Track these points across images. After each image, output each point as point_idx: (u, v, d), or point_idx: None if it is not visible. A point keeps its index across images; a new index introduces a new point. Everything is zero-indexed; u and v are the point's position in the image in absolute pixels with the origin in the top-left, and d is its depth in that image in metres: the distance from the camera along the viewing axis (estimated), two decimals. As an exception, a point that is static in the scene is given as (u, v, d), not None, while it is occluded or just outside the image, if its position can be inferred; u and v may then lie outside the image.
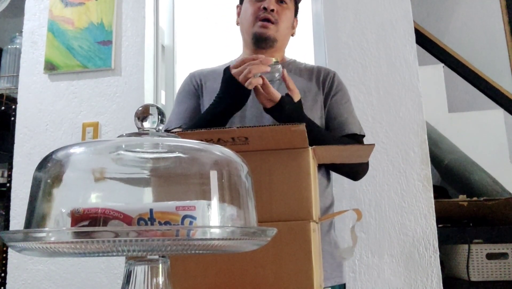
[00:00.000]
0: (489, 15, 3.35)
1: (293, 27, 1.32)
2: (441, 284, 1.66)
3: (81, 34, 2.07)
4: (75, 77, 2.07)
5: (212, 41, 3.11)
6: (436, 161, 2.58)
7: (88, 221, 0.45)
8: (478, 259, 1.75)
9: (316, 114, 1.20)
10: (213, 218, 0.49)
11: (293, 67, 1.29)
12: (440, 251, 1.69)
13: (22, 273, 1.92)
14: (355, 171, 1.23)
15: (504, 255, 1.76)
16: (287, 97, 1.05)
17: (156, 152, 0.53)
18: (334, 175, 1.32)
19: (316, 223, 0.79)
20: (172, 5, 2.39)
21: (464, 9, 3.45)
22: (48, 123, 2.04)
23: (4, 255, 2.01)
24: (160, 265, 0.50)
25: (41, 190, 0.49)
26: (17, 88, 2.14)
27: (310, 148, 0.76)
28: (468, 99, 3.12)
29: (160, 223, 0.45)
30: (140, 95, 2.00)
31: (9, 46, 2.46)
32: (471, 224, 1.96)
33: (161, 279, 0.49)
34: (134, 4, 2.09)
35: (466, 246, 1.77)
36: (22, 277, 1.92)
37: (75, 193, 0.50)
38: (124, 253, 0.44)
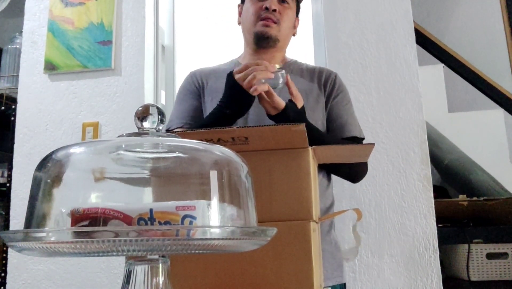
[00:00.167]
0: (489, 15, 3.35)
1: (295, 27, 1.31)
2: (441, 284, 1.66)
3: (81, 34, 2.07)
4: (75, 77, 2.07)
5: (212, 41, 3.11)
6: (436, 161, 2.59)
7: (88, 221, 0.45)
8: (478, 259, 1.75)
9: (318, 116, 1.21)
10: (213, 218, 0.49)
11: (294, 67, 1.29)
12: (440, 251, 1.69)
13: (22, 273, 1.92)
14: (354, 173, 1.23)
15: (504, 255, 1.76)
16: (291, 104, 1.04)
17: (156, 152, 0.53)
18: (334, 176, 1.32)
19: (316, 223, 0.79)
20: (172, 5, 2.39)
21: (464, 9, 3.45)
22: (48, 123, 2.04)
23: (4, 255, 2.01)
24: (160, 265, 0.50)
25: (41, 190, 0.49)
26: (17, 88, 2.14)
27: (310, 147, 0.76)
28: (468, 99, 3.12)
29: (160, 223, 0.45)
30: (140, 95, 2.00)
31: (9, 46, 2.46)
32: (471, 224, 1.96)
33: (161, 279, 0.49)
34: (134, 4, 2.09)
35: (466, 246, 1.77)
36: (22, 277, 1.92)
37: (75, 193, 0.50)
38: (124, 253, 0.44)
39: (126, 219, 0.45)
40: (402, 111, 1.80)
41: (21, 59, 2.15)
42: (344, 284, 1.20)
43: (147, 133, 0.53)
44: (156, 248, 0.43)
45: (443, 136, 2.70)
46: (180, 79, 1.36)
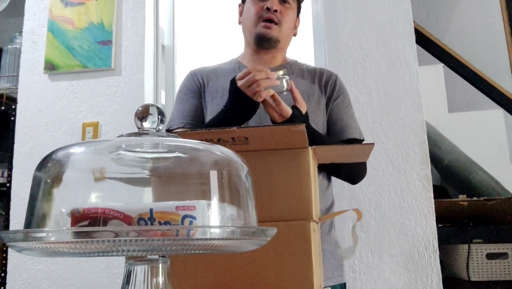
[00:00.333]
0: (489, 15, 3.35)
1: (295, 27, 1.31)
2: (441, 284, 1.66)
3: (81, 34, 2.07)
4: (75, 77, 2.07)
5: (212, 41, 3.11)
6: (436, 160, 2.59)
7: (88, 221, 0.45)
8: (478, 259, 1.76)
9: (319, 118, 1.21)
10: (213, 218, 0.49)
11: (295, 68, 1.29)
12: (440, 251, 1.69)
13: (22, 273, 1.92)
14: (354, 174, 1.23)
15: (504, 255, 1.76)
16: (296, 111, 1.04)
17: (156, 152, 0.53)
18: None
19: (316, 223, 0.79)
20: (172, 5, 2.39)
21: (464, 9, 3.45)
22: (48, 123, 2.04)
23: (4, 255, 2.01)
24: (160, 265, 0.50)
25: (41, 190, 0.49)
26: (17, 88, 2.14)
27: (310, 148, 0.76)
28: (468, 99, 3.12)
29: (160, 223, 0.45)
30: (140, 95, 2.00)
31: (9, 46, 2.46)
32: (471, 224, 1.96)
33: (161, 279, 0.49)
34: (134, 4, 2.09)
35: (466, 246, 1.77)
36: (22, 277, 1.92)
37: (75, 193, 0.50)
38: (124, 253, 0.44)
39: (126, 219, 0.45)
40: (402, 112, 1.80)
41: (21, 59, 2.15)
42: (344, 284, 1.20)
43: (147, 133, 0.53)
44: (156, 248, 0.43)
45: (443, 136, 2.70)
46: (180, 79, 1.36)
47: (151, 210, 0.46)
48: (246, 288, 0.71)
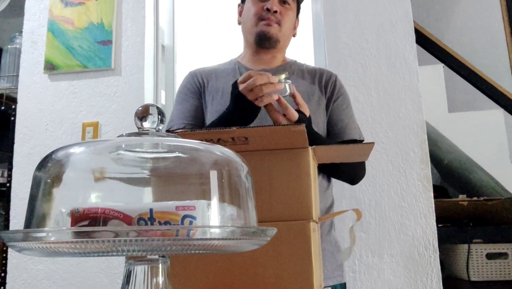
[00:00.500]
0: (489, 15, 3.35)
1: (295, 28, 1.31)
2: (441, 284, 1.66)
3: (81, 34, 2.07)
4: (75, 77, 2.07)
5: (212, 41, 3.11)
6: (436, 160, 2.59)
7: (88, 221, 0.45)
8: (478, 259, 1.76)
9: (319, 118, 1.21)
10: (213, 218, 0.49)
11: (295, 69, 1.29)
12: (440, 251, 1.69)
13: (22, 273, 1.92)
14: (353, 174, 1.23)
15: (504, 255, 1.76)
16: (301, 115, 1.03)
17: (156, 152, 0.53)
18: (334, 176, 1.32)
19: (316, 223, 0.79)
20: (172, 5, 2.39)
21: (464, 9, 3.45)
22: (48, 123, 2.04)
23: (4, 255, 2.01)
24: (160, 265, 0.50)
25: (41, 190, 0.49)
26: (17, 88, 2.14)
27: (310, 147, 0.76)
28: (468, 99, 3.11)
29: (160, 223, 0.45)
30: (140, 95, 2.00)
31: (9, 46, 2.46)
32: (471, 224, 1.96)
33: (161, 279, 0.49)
34: (134, 4, 2.09)
35: (466, 246, 1.77)
36: (22, 277, 1.92)
37: (75, 193, 0.50)
38: (124, 253, 0.44)
39: (126, 219, 0.45)
40: (402, 111, 1.80)
41: (21, 59, 2.15)
42: (344, 284, 1.20)
43: (147, 133, 0.53)
44: (156, 248, 0.43)
45: (443, 136, 2.70)
46: (180, 79, 1.36)
47: (151, 210, 0.46)
48: (246, 288, 0.71)
